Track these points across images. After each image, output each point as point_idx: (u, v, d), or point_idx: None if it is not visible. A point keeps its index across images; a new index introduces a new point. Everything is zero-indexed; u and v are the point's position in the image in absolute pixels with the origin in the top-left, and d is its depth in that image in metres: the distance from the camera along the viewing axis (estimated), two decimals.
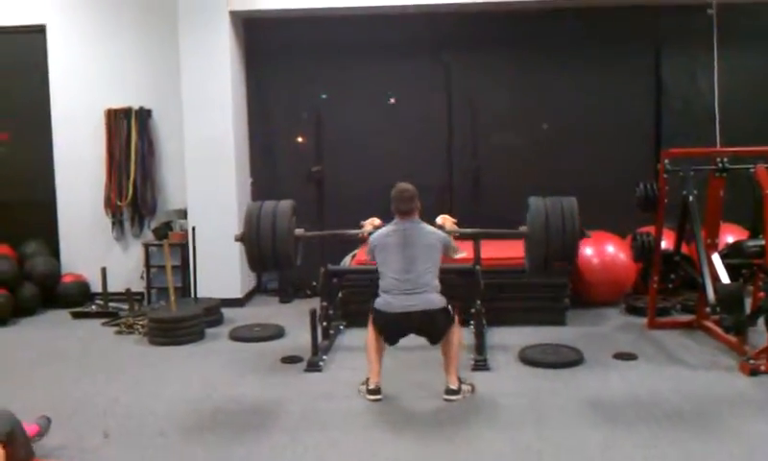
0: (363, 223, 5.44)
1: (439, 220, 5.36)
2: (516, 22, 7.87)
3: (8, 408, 3.78)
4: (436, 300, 4.85)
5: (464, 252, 6.55)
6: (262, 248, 5.23)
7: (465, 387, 4.89)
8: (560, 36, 7.98)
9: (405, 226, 4.95)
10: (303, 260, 5.76)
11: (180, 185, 7.92)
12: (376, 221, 5.33)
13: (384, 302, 4.87)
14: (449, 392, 4.83)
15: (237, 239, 5.39)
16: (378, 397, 4.85)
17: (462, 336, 5.13)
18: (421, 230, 4.98)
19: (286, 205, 5.35)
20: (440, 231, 5.12)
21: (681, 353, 5.74)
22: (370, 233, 5.20)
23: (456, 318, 4.98)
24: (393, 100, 8.23)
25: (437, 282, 4.90)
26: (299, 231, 5.39)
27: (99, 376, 5.57)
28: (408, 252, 4.86)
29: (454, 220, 5.43)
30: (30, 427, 4.03)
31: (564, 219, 5.09)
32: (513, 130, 8.00)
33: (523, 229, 5.28)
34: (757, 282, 5.86)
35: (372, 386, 4.88)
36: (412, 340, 5.60)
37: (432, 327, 4.88)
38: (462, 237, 5.43)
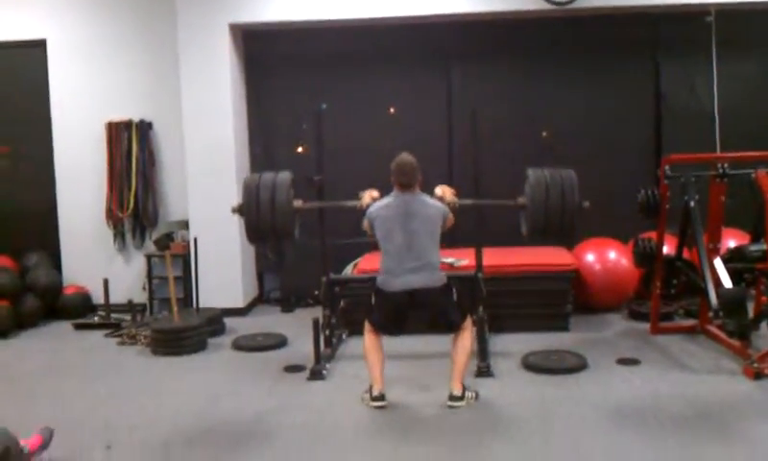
0: (361, 193, 5.31)
1: (438, 191, 5.25)
2: (515, 32, 7.88)
3: (4, 425, 3.77)
4: (438, 277, 4.86)
5: (465, 259, 6.59)
6: (261, 219, 5.21)
7: (469, 394, 4.87)
8: (560, 45, 7.99)
9: (406, 198, 4.90)
10: (305, 270, 5.68)
11: (181, 196, 7.93)
12: (375, 193, 5.23)
13: (385, 280, 4.87)
14: (453, 398, 4.80)
15: (234, 211, 5.37)
16: (382, 403, 4.83)
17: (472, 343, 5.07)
18: (422, 201, 4.94)
19: (285, 176, 5.33)
20: (439, 204, 5.04)
21: (684, 358, 5.74)
22: (368, 205, 5.12)
23: (470, 321, 4.98)
24: (392, 109, 8.25)
25: (438, 259, 4.93)
26: (297, 203, 5.36)
27: (101, 388, 5.57)
28: (410, 225, 4.82)
29: (453, 190, 5.32)
30: (32, 439, 4.03)
31: (564, 189, 5.07)
32: (513, 138, 8.00)
33: (522, 200, 5.25)
34: (760, 287, 5.86)
35: (375, 393, 4.85)
36: (414, 346, 5.64)
37: (436, 307, 4.88)
38: (458, 211, 5.25)
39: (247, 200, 5.27)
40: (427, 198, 5.01)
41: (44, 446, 4.12)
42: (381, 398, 4.84)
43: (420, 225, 4.84)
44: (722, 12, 7.63)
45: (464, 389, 4.85)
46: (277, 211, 5.20)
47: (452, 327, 4.91)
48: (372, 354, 4.93)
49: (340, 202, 5.66)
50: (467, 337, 4.92)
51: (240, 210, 5.31)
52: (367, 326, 4.98)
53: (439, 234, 4.93)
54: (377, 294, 4.93)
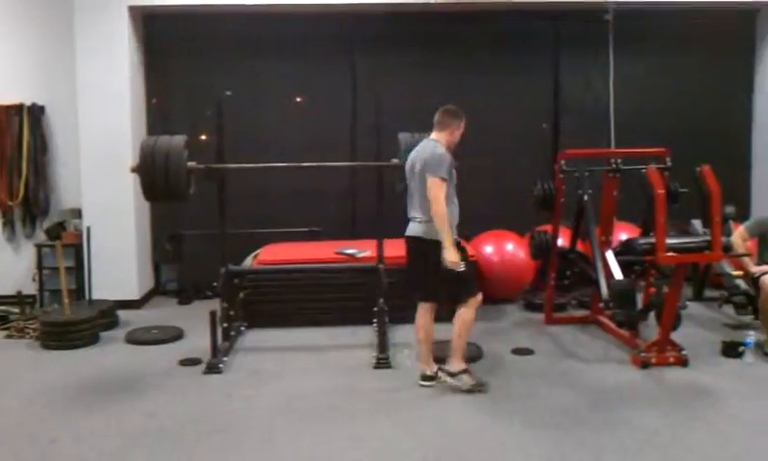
0: None
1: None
2: (420, 23, 7.96)
3: None
4: (418, 229, 4.92)
5: (367, 250, 6.60)
6: (156, 179, 5.43)
7: (466, 378, 4.92)
8: (463, 39, 8.10)
9: (421, 145, 5.06)
10: (203, 261, 5.65)
11: (74, 184, 7.64)
12: None
13: None
14: (448, 374, 4.97)
15: (133, 170, 5.55)
16: (428, 384, 4.98)
17: (470, 322, 4.97)
18: (424, 156, 4.92)
19: (179, 139, 5.54)
20: (434, 152, 4.89)
21: (576, 348, 5.91)
22: None
23: (476, 299, 4.96)
24: (298, 99, 8.18)
25: (421, 211, 4.90)
26: (191, 164, 5.58)
27: None
28: (412, 180, 5.00)
29: (456, 256, 4.80)
30: None
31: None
32: (417, 129, 8.02)
33: (395, 161, 5.68)
34: (648, 278, 6.10)
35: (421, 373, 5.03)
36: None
37: (419, 256, 4.92)
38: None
39: (143, 161, 5.44)
40: (427, 147, 4.98)
41: None
42: (425, 378, 5.01)
43: (416, 180, 4.97)
44: (620, 10, 7.86)
45: (461, 371, 4.96)
46: (171, 172, 5.41)
47: (435, 291, 4.96)
48: (418, 334, 5.08)
49: (240, 164, 5.92)
50: (462, 313, 4.94)
51: (137, 170, 5.49)
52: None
53: (425, 188, 4.81)
54: None
